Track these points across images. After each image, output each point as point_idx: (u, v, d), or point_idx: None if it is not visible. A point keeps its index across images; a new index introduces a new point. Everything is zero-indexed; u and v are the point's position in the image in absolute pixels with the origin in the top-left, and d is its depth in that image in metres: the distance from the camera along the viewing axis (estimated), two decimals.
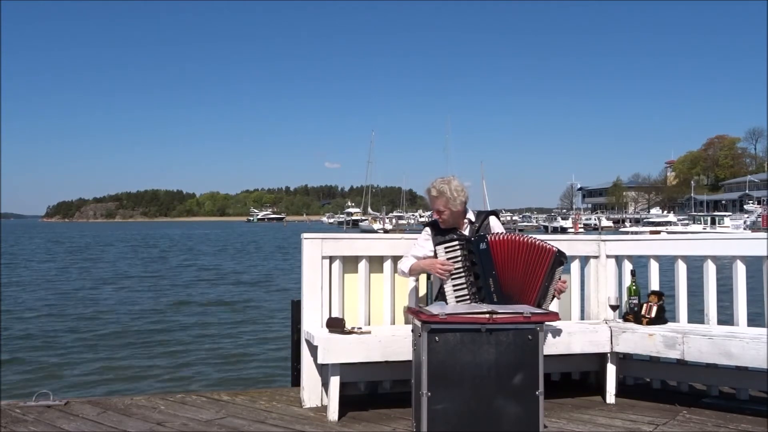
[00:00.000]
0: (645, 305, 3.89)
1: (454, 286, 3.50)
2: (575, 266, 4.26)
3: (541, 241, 3.53)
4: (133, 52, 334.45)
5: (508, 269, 3.45)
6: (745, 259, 3.91)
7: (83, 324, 12.15)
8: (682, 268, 4.09)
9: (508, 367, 2.98)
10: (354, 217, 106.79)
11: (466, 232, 3.68)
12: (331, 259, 3.98)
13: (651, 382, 4.18)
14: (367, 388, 4.02)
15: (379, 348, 3.51)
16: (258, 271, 25.38)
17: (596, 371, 4.13)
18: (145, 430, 3.34)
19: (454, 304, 3.46)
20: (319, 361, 3.53)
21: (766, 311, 3.74)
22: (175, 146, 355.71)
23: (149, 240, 59.85)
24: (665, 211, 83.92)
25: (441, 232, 3.69)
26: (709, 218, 57.67)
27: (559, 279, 3.53)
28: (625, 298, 4.09)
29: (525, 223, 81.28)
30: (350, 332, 3.63)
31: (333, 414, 3.53)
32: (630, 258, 4.22)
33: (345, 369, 3.59)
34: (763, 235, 3.89)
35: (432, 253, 3.64)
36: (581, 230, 66.19)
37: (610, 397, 3.86)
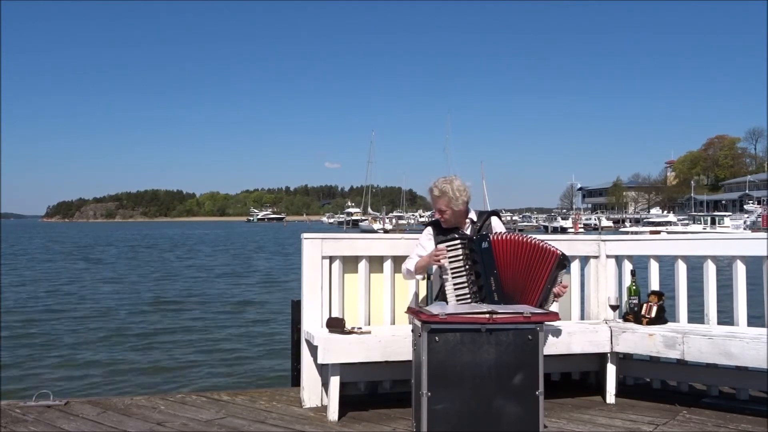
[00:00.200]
0: (645, 305, 3.89)
1: (454, 285, 3.49)
2: (575, 266, 4.26)
3: (545, 242, 3.52)
4: (133, 52, 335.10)
5: (510, 269, 3.45)
6: (745, 259, 3.91)
7: (83, 324, 12.14)
8: (682, 268, 4.09)
9: (508, 367, 2.98)
10: (354, 217, 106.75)
11: (468, 232, 3.68)
12: (331, 259, 3.98)
13: (651, 382, 4.18)
14: (367, 388, 4.02)
15: (379, 348, 3.51)
16: (258, 271, 25.38)
17: (596, 371, 4.13)
18: (145, 430, 3.34)
19: (455, 303, 3.46)
20: (319, 361, 3.53)
21: (766, 311, 3.74)
22: (175, 146, 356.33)
23: (149, 240, 59.84)
24: (665, 211, 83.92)
25: (443, 231, 3.70)
26: (709, 218, 57.66)
27: (560, 282, 3.53)
28: (625, 298, 4.09)
29: (525, 223, 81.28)
30: (350, 332, 3.63)
31: (333, 414, 3.53)
32: (630, 258, 4.22)
33: (345, 369, 3.59)
34: (763, 235, 3.89)
35: None
36: (581, 230, 66.16)
37: (610, 397, 3.86)
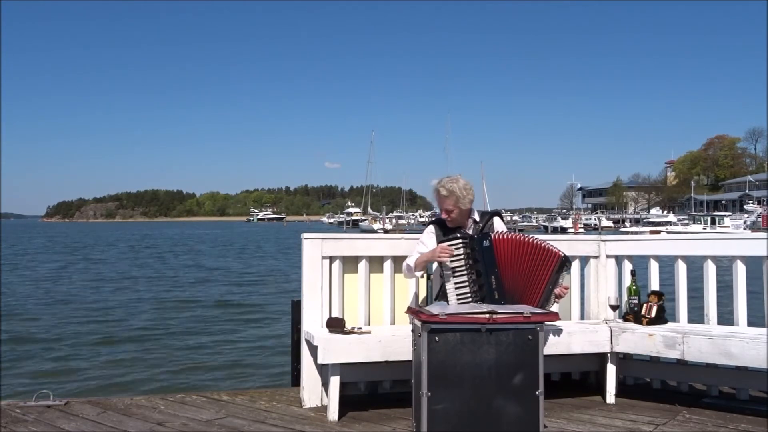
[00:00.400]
0: (645, 305, 3.89)
1: (455, 284, 3.50)
2: (575, 266, 4.25)
3: (547, 243, 3.52)
4: (133, 52, 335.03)
5: (511, 268, 3.45)
6: (745, 259, 3.91)
7: (83, 324, 12.15)
8: (682, 268, 4.09)
9: (508, 367, 2.98)
10: (354, 217, 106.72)
11: (470, 232, 3.69)
12: (331, 259, 3.98)
13: (651, 382, 4.18)
14: (367, 388, 4.02)
15: (379, 348, 3.51)
16: (258, 270, 25.38)
17: (596, 371, 4.13)
18: (145, 430, 3.34)
19: (455, 302, 3.46)
20: (319, 361, 3.53)
21: (766, 311, 3.74)
22: (175, 146, 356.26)
23: (149, 240, 59.84)
24: (665, 211, 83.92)
25: (445, 230, 3.70)
26: (709, 218, 57.65)
27: (561, 284, 3.53)
28: (625, 298, 4.09)
29: (525, 223, 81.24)
30: (350, 332, 3.63)
31: (333, 414, 3.53)
32: (630, 258, 4.22)
33: (345, 369, 3.59)
34: (763, 235, 3.89)
35: None
36: (581, 230, 66.16)
37: (610, 397, 3.86)
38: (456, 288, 3.49)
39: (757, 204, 66.96)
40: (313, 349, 3.67)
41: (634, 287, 4.02)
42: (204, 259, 32.92)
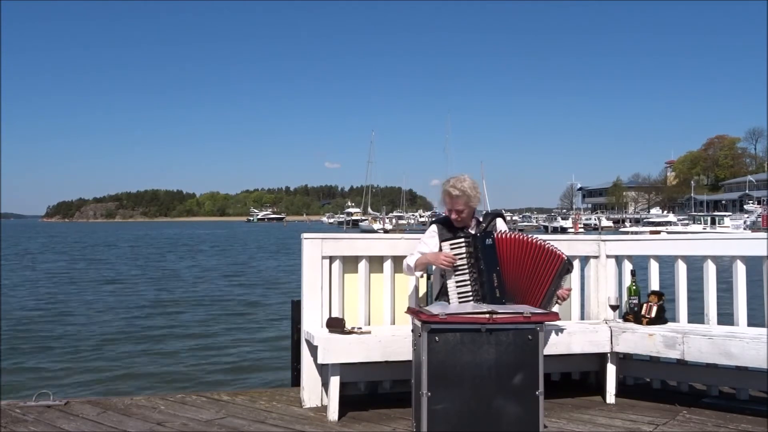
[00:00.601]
0: (645, 305, 3.89)
1: (457, 282, 3.50)
2: (575, 266, 4.25)
3: (551, 245, 3.51)
4: (133, 52, 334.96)
5: (513, 267, 3.46)
6: (745, 259, 3.91)
7: (83, 324, 12.15)
8: (682, 268, 4.09)
9: (508, 367, 2.98)
10: (354, 217, 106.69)
11: (473, 232, 3.69)
12: (331, 259, 3.98)
13: (651, 382, 4.18)
14: (367, 388, 4.02)
15: (379, 348, 3.51)
16: (258, 270, 25.38)
17: (596, 371, 4.13)
18: (145, 430, 3.34)
19: (456, 300, 3.47)
20: (319, 361, 3.53)
21: (766, 311, 3.74)
22: (175, 146, 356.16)
23: (149, 240, 59.84)
24: (665, 211, 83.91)
25: (448, 230, 3.70)
26: (709, 218, 57.63)
27: (563, 287, 3.53)
28: (625, 298, 4.09)
29: (525, 223, 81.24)
30: (350, 332, 3.63)
31: (333, 414, 3.53)
32: (630, 258, 4.22)
33: (345, 369, 3.59)
34: (763, 235, 3.89)
35: (437, 249, 3.64)
36: (581, 230, 66.14)
37: (610, 397, 3.86)
38: (458, 286, 3.50)
39: (757, 204, 66.96)
40: (313, 349, 3.67)
41: (634, 287, 4.02)
42: (204, 259, 32.92)
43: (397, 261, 4.03)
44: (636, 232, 48.07)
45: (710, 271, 4.00)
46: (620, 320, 4.03)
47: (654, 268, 4.17)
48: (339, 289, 3.99)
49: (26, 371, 8.40)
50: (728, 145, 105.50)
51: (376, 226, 77.52)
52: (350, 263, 4.04)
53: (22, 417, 3.52)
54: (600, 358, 3.95)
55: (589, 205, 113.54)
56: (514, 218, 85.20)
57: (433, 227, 3.78)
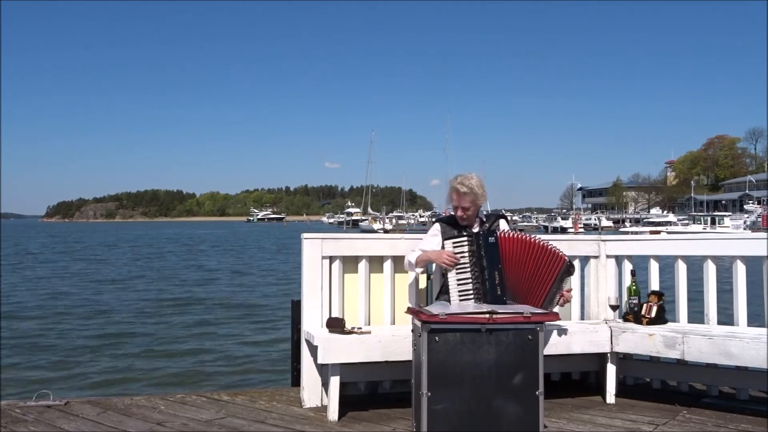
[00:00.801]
0: (645, 305, 3.89)
1: (458, 280, 3.50)
2: (575, 266, 4.25)
3: (553, 246, 3.51)
4: (133, 52, 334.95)
5: (515, 267, 3.46)
6: (745, 259, 3.91)
7: (83, 324, 12.15)
8: (682, 268, 4.09)
9: (508, 367, 2.98)
10: (354, 217, 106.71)
11: (476, 230, 3.69)
12: (331, 259, 3.98)
13: (651, 382, 4.18)
14: (367, 388, 4.02)
15: (379, 348, 3.51)
16: (258, 271, 25.38)
17: (596, 371, 4.13)
18: (145, 430, 3.34)
19: (457, 298, 3.47)
20: (319, 361, 3.53)
21: (766, 311, 3.74)
22: (175, 146, 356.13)
23: (149, 240, 59.83)
24: (665, 211, 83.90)
25: (451, 228, 3.70)
26: (709, 218, 57.63)
27: (564, 288, 3.52)
28: (625, 298, 4.09)
29: (525, 223, 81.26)
30: (350, 332, 3.63)
31: (333, 414, 3.53)
32: (630, 258, 4.22)
33: (345, 369, 3.59)
34: (763, 235, 3.89)
35: (440, 248, 3.64)
36: (581, 230, 66.16)
37: (610, 397, 3.86)
38: (459, 283, 3.50)
39: (757, 204, 66.94)
40: (313, 349, 3.67)
41: (634, 287, 4.02)
42: (204, 259, 32.92)
43: (397, 261, 4.03)
44: (636, 232, 48.05)
45: (710, 271, 4.00)
46: (620, 320, 4.03)
47: (654, 268, 4.17)
48: (339, 289, 3.99)
49: (26, 371, 8.40)
50: (728, 145, 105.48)
51: (376, 226, 77.54)
52: (350, 263, 4.04)
53: (22, 417, 3.52)
54: (600, 358, 3.95)
55: (589, 205, 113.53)
56: (514, 218, 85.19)
57: (437, 225, 3.78)
